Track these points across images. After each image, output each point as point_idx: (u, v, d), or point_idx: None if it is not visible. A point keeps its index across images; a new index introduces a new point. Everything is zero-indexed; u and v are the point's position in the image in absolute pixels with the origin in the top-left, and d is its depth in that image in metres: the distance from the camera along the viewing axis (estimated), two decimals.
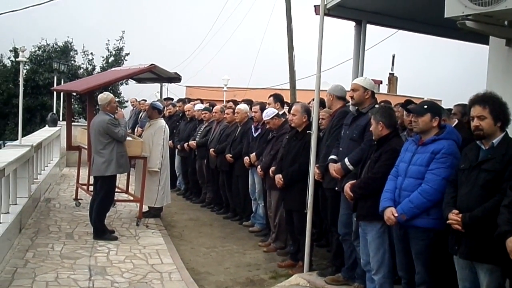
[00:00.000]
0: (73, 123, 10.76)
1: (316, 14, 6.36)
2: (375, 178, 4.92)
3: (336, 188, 5.78)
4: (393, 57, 32.50)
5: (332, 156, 5.88)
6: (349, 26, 7.31)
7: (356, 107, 5.75)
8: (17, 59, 20.11)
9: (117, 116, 8.07)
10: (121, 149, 7.92)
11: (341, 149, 5.80)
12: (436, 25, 7.29)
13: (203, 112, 10.67)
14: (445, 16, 4.41)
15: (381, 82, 32.52)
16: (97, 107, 8.51)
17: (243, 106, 9.16)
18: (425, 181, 4.44)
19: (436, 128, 4.58)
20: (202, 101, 12.70)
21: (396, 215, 4.52)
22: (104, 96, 8.01)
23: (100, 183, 7.95)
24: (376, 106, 5.73)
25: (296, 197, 6.50)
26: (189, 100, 12.99)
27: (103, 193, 7.91)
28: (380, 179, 4.86)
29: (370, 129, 5.16)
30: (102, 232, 7.81)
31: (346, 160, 5.59)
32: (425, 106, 4.65)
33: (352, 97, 5.75)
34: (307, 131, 6.46)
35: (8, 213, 7.33)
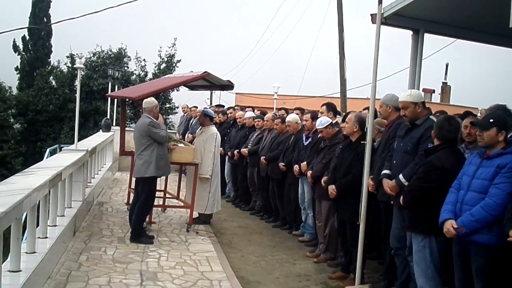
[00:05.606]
0: (126, 129, 10.91)
1: (373, 23, 6.25)
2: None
3: (392, 202, 5.65)
4: (447, 66, 31.88)
5: (386, 171, 5.74)
6: (396, 35, 7.20)
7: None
8: (74, 66, 20.78)
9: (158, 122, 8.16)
10: (161, 151, 7.95)
11: (394, 162, 5.66)
12: (497, 34, 7.11)
13: (256, 120, 10.67)
14: (511, 26, 4.28)
15: (434, 91, 31.93)
16: (141, 111, 8.60)
17: (292, 117, 9.04)
18: (489, 195, 4.26)
19: (502, 143, 4.37)
20: (253, 109, 12.71)
21: (455, 227, 4.38)
22: (150, 100, 8.14)
23: (141, 185, 8.02)
24: (431, 117, 5.59)
25: (349, 208, 6.38)
26: (241, 108, 13.01)
27: (144, 196, 7.97)
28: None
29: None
30: (139, 235, 7.90)
31: (401, 176, 5.42)
32: (491, 120, 4.42)
33: (405, 115, 5.61)
34: (361, 141, 6.36)
35: (64, 216, 7.49)
